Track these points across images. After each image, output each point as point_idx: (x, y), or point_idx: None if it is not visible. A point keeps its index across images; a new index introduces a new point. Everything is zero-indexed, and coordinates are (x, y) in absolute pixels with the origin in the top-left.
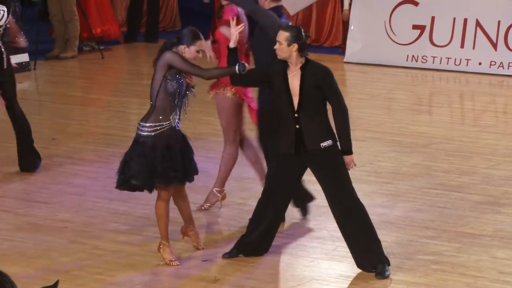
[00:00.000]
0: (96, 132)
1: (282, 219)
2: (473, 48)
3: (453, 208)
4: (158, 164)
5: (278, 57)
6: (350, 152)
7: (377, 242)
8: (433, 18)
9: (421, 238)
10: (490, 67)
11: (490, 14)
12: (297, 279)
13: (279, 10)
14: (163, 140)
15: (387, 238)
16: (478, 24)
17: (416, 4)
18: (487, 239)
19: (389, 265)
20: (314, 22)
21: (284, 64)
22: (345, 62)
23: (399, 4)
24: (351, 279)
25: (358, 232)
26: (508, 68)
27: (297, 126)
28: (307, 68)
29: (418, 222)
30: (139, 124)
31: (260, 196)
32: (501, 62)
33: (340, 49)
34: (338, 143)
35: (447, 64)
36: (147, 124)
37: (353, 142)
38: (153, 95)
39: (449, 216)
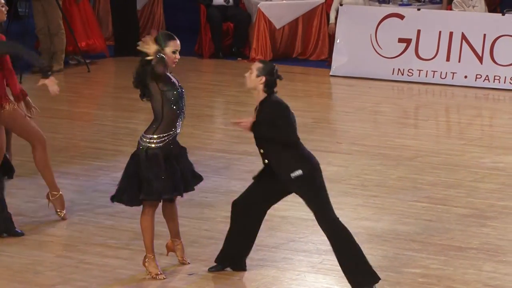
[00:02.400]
0: (83, 146)
1: (255, 232)
2: (459, 62)
3: (439, 221)
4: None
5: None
6: None
7: (364, 262)
8: (419, 31)
9: (407, 251)
10: (475, 80)
11: (476, 28)
12: None
13: None
14: (167, 151)
15: (373, 251)
16: (463, 37)
17: (402, 17)
18: (473, 252)
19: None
20: (300, 36)
21: None
22: (331, 76)
23: (385, 17)
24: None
25: (345, 256)
26: (493, 81)
27: (265, 161)
28: (264, 103)
29: (404, 235)
30: (144, 136)
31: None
32: (487, 75)
33: (326, 63)
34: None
35: (433, 77)
36: (155, 136)
37: (339, 155)
38: (158, 111)
39: (435, 229)
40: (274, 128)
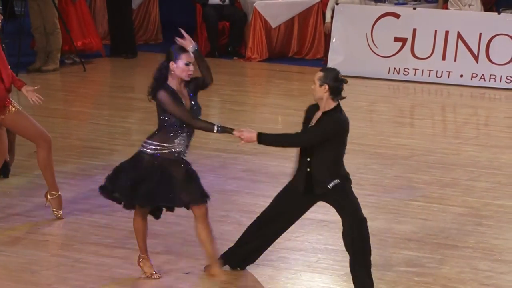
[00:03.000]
0: (78, 145)
1: (273, 240)
2: (455, 61)
3: (435, 220)
4: (144, 184)
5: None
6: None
7: (370, 266)
8: (414, 30)
9: (403, 250)
10: (471, 79)
11: (472, 27)
12: None
13: None
14: (162, 162)
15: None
16: (459, 36)
17: (398, 16)
18: (469, 251)
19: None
20: (296, 35)
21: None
22: None
23: (381, 16)
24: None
25: (361, 256)
26: (489, 80)
27: (308, 169)
28: (328, 115)
29: (400, 234)
30: (144, 141)
31: (258, 214)
32: (483, 74)
33: (322, 62)
34: None
35: (429, 76)
36: (150, 141)
37: None
38: (159, 120)
39: (431, 228)
40: (327, 142)
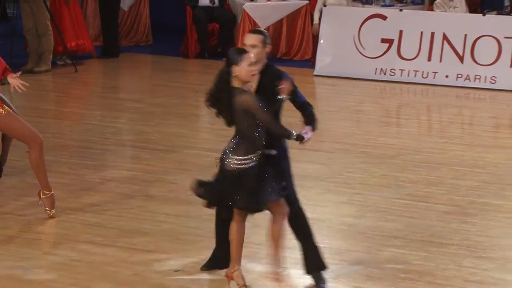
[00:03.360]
0: (70, 145)
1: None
2: (440, 61)
3: (421, 218)
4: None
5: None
6: None
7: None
8: (401, 32)
9: (390, 248)
10: (456, 79)
11: (457, 28)
12: None
13: None
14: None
15: (356, 248)
16: (445, 37)
17: (385, 18)
18: (454, 248)
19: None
20: (284, 36)
21: None
22: (315, 75)
23: (368, 18)
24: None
25: (310, 237)
26: (474, 81)
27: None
28: (265, 74)
29: (387, 231)
30: (225, 155)
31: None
32: (468, 75)
33: (310, 63)
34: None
35: (415, 77)
36: (234, 157)
37: (323, 154)
38: (242, 128)
39: (416, 226)
40: None
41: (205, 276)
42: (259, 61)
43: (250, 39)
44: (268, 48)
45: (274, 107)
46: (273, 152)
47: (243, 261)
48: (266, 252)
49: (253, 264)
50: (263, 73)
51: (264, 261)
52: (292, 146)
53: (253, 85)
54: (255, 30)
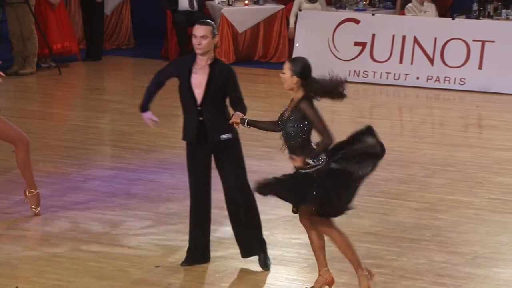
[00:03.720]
0: (55, 145)
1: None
2: (411, 64)
3: (393, 214)
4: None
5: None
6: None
7: (260, 228)
8: (373, 35)
9: (363, 243)
10: (427, 81)
11: (427, 31)
12: (247, 284)
13: None
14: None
15: (331, 243)
16: (416, 40)
17: (358, 22)
18: (425, 244)
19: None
20: (261, 39)
21: (190, 60)
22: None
23: (342, 22)
24: (298, 283)
25: (245, 219)
26: (444, 82)
27: (200, 118)
28: (215, 66)
29: (360, 228)
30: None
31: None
32: (438, 77)
33: None
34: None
35: (387, 78)
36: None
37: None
38: (302, 136)
39: (389, 222)
40: (221, 91)
41: (184, 270)
42: (209, 52)
43: (201, 30)
44: (216, 39)
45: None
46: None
47: (222, 256)
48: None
49: (231, 260)
50: (213, 65)
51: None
52: (269, 145)
53: (204, 77)
54: (204, 22)
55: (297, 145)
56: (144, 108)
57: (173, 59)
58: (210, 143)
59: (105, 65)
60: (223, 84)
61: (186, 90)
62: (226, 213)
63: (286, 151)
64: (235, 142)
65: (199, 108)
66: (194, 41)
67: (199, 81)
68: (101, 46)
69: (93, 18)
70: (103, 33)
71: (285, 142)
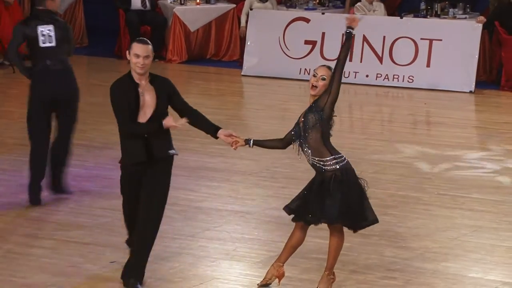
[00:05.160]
0: (9, 143)
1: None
2: (361, 62)
3: None
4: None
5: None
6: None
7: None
8: (323, 34)
9: (315, 238)
10: (376, 79)
11: (376, 30)
12: (200, 278)
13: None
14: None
15: (283, 239)
16: (365, 39)
17: (308, 21)
18: (375, 239)
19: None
20: (213, 38)
21: (131, 81)
22: (243, 75)
23: (292, 21)
24: (250, 277)
25: (144, 241)
26: (393, 80)
27: (145, 136)
28: (156, 82)
29: None
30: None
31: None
32: (387, 75)
33: (238, 63)
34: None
35: None
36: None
37: (251, 149)
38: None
39: None
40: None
41: None
42: (147, 71)
43: (144, 50)
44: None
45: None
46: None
47: (176, 251)
48: (195, 244)
49: (185, 255)
50: (152, 81)
51: (196, 252)
52: (222, 143)
53: (152, 95)
54: (144, 41)
55: (318, 139)
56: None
57: (110, 90)
58: (156, 160)
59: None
60: (168, 98)
61: (132, 114)
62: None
63: (308, 153)
64: (172, 159)
65: None
66: (137, 60)
67: (147, 102)
68: None
69: None
70: None
71: (304, 144)
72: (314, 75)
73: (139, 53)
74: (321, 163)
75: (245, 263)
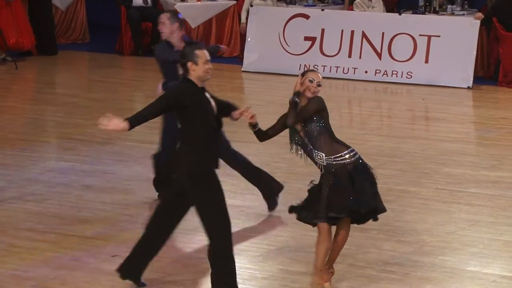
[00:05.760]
0: (12, 138)
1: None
2: (360, 58)
3: None
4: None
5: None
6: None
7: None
8: (323, 30)
9: (313, 232)
10: (375, 75)
11: (375, 27)
12: (200, 272)
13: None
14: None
15: (283, 233)
16: (364, 35)
17: (307, 17)
18: (374, 233)
19: None
20: (214, 34)
21: (193, 87)
22: (243, 71)
23: (292, 17)
24: (251, 271)
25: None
26: (391, 76)
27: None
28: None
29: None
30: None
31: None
32: (385, 70)
33: (238, 59)
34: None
35: (336, 72)
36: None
37: (251, 145)
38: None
39: None
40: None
41: None
42: None
43: (208, 55)
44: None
45: None
46: None
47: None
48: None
49: (181, 250)
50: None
51: (192, 245)
52: None
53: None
54: (203, 45)
55: (327, 139)
56: None
57: (171, 93)
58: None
59: (61, 60)
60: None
61: (209, 116)
62: None
63: (321, 156)
64: None
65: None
66: (209, 66)
67: (213, 106)
68: (54, 40)
69: (42, 13)
70: (53, 27)
71: (313, 151)
72: (310, 80)
73: (208, 59)
74: (339, 158)
75: (245, 257)
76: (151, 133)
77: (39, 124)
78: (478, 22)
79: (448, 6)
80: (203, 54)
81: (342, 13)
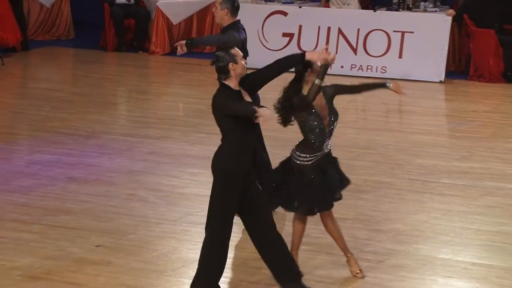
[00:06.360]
0: None
1: None
2: (336, 53)
3: None
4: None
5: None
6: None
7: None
8: (300, 26)
9: (291, 222)
10: (351, 69)
11: (351, 23)
12: (182, 261)
13: (236, 25)
14: (316, 168)
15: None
16: (340, 32)
17: (286, 14)
18: (350, 222)
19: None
20: (195, 31)
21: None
22: None
23: (270, 14)
24: (231, 259)
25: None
26: (366, 71)
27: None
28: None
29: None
30: (294, 153)
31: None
32: (361, 65)
33: None
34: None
35: None
36: (303, 155)
37: None
38: (305, 134)
39: None
40: None
41: (123, 249)
42: None
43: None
44: None
45: None
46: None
47: (159, 235)
48: (178, 229)
49: (168, 239)
50: None
51: (179, 236)
52: (203, 131)
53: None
54: None
55: None
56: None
57: (226, 96)
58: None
59: (46, 56)
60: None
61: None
62: (156, 193)
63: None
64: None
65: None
66: (244, 62)
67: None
68: (25, 36)
69: (17, 10)
70: (24, 23)
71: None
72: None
73: (242, 55)
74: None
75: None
76: (134, 127)
77: (25, 118)
78: (450, 18)
79: (421, 3)
80: (238, 51)
81: (319, 10)
